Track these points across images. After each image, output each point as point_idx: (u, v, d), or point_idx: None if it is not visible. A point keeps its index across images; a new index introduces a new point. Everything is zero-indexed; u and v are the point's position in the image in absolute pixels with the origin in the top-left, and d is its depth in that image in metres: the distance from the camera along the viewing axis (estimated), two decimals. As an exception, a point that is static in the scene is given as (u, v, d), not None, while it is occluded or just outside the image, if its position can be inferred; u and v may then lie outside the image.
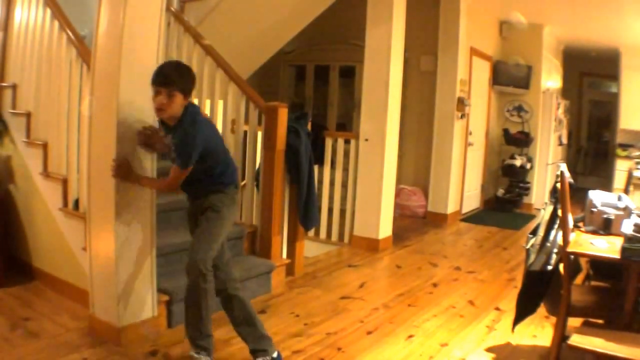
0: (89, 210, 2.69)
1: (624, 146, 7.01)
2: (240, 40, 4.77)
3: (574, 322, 2.42)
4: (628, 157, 6.69)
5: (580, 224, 2.63)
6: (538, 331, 2.97)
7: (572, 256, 2.31)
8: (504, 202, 6.92)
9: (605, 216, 2.53)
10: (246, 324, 2.43)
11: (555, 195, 2.53)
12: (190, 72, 2.36)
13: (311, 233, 4.57)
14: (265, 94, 4.24)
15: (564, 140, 8.23)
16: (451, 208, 6.01)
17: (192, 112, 2.32)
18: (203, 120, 2.38)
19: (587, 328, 2.31)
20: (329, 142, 4.70)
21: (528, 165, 6.88)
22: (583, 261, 2.72)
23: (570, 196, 2.37)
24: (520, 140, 6.91)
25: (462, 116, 6.00)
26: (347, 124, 6.60)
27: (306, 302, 3.33)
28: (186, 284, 2.34)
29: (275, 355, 2.43)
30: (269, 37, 5.03)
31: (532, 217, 6.51)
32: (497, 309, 3.35)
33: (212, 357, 2.40)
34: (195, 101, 3.73)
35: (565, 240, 2.31)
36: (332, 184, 4.78)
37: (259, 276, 3.36)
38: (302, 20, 5.06)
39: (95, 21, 2.59)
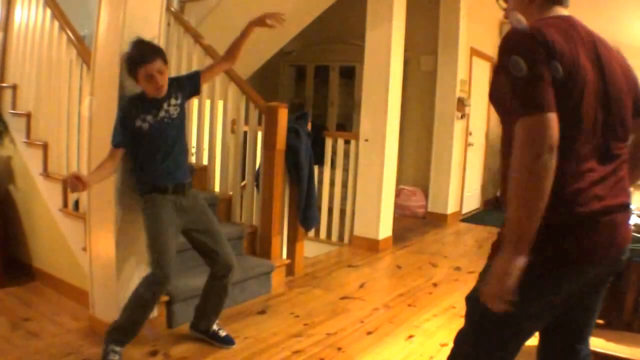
0: (89, 210, 2.69)
1: (624, 146, 6.99)
2: (240, 40, 4.76)
3: (574, 322, 2.42)
4: (628, 158, 6.67)
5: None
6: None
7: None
8: (504, 203, 6.89)
9: (605, 216, 2.52)
10: None
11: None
12: None
13: (311, 233, 4.57)
14: (265, 94, 4.24)
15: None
16: (451, 208, 6.01)
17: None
18: None
19: (587, 328, 2.31)
20: (329, 142, 4.70)
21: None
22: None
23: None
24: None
25: (462, 116, 5.99)
26: (347, 124, 6.59)
27: (306, 302, 3.33)
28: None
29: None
30: (269, 37, 5.02)
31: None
32: (497, 309, 3.35)
33: None
34: (196, 102, 3.74)
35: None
36: (332, 184, 4.78)
37: (259, 276, 3.36)
38: (302, 20, 5.06)
39: (95, 21, 2.59)
